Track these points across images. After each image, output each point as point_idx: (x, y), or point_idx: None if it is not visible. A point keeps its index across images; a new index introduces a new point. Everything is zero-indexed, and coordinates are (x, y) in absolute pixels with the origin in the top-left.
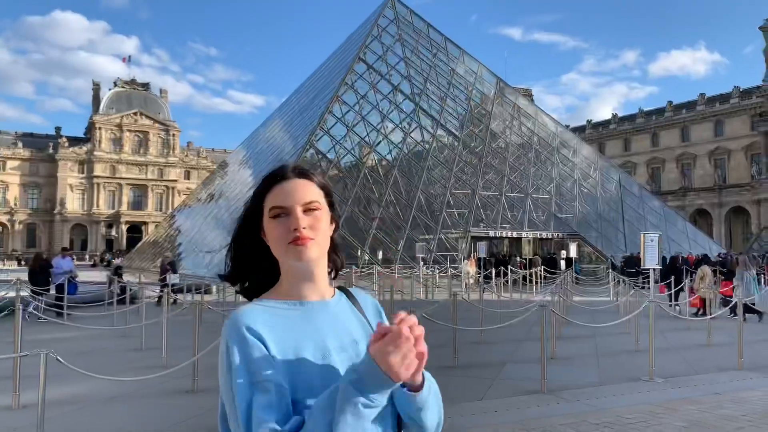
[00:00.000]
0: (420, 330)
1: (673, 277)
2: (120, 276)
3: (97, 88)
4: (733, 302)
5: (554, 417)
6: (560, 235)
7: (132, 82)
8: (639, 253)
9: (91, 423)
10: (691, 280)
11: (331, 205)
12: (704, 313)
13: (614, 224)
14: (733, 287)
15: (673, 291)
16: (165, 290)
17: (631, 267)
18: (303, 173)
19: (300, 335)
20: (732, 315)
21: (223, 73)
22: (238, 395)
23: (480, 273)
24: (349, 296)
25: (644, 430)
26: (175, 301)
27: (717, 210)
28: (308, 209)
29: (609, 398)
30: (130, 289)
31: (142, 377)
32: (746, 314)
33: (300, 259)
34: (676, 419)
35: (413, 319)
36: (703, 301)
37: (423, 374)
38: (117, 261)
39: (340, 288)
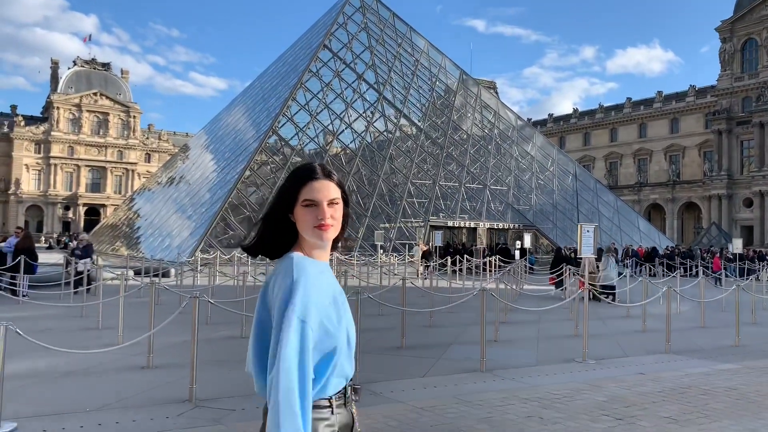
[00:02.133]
0: None
1: (566, 265)
2: (77, 258)
3: (55, 67)
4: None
5: (489, 392)
6: (516, 225)
7: (92, 62)
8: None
9: (49, 396)
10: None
11: (344, 199)
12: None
13: (569, 216)
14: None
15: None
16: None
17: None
18: (328, 174)
19: (335, 290)
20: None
21: (185, 55)
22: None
23: (434, 260)
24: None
25: (568, 404)
26: (88, 290)
27: (670, 205)
28: (331, 203)
29: (542, 377)
30: (88, 270)
31: (101, 350)
32: (607, 295)
33: (322, 239)
34: (599, 395)
35: None
36: (582, 285)
37: None
38: (74, 243)
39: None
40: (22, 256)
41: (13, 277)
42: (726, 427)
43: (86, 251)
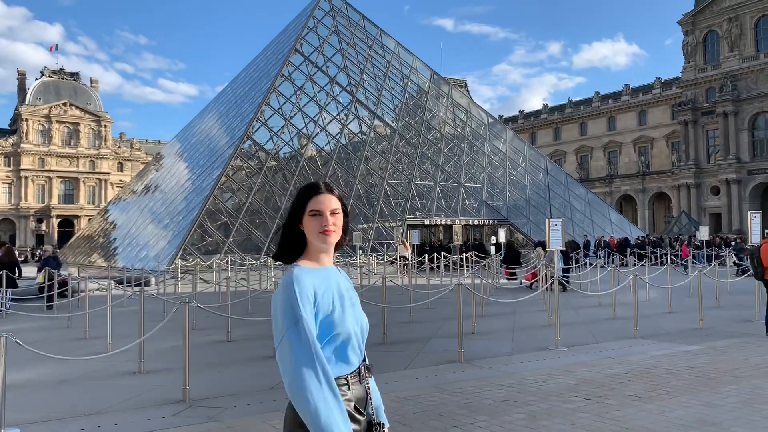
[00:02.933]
0: None
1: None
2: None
3: (22, 78)
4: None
5: (466, 381)
6: (491, 221)
7: (60, 72)
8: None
9: (48, 402)
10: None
11: (344, 210)
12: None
13: (542, 210)
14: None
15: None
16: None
17: (511, 254)
18: (330, 189)
19: (333, 291)
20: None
21: (154, 62)
22: (291, 332)
23: (410, 259)
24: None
25: (540, 387)
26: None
27: (641, 195)
28: (333, 213)
29: (517, 365)
30: (66, 283)
31: (94, 356)
32: (561, 285)
33: (325, 243)
34: (570, 378)
35: None
36: (534, 276)
37: None
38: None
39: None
40: (4, 270)
41: None
42: (685, 402)
43: (47, 262)
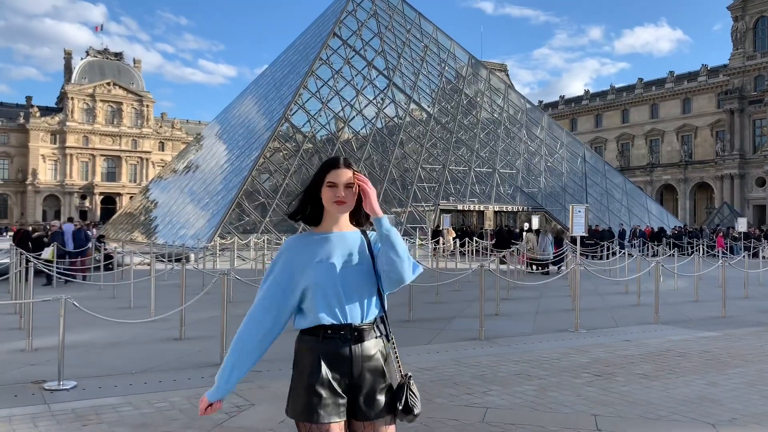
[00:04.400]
0: (366, 181)
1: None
2: (103, 244)
3: (68, 57)
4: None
5: (484, 356)
6: (525, 208)
7: (105, 52)
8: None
9: (99, 361)
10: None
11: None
12: (531, 271)
13: (578, 199)
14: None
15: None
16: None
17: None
18: (348, 165)
19: (319, 249)
20: (535, 269)
21: (194, 43)
22: (264, 279)
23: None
24: (364, 233)
25: (554, 364)
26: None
27: (683, 185)
28: (347, 186)
29: (535, 344)
30: (112, 256)
31: (140, 321)
32: (545, 269)
33: (338, 211)
34: (584, 357)
35: (362, 177)
36: (527, 261)
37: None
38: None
39: (362, 230)
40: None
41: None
42: (691, 381)
43: (54, 238)
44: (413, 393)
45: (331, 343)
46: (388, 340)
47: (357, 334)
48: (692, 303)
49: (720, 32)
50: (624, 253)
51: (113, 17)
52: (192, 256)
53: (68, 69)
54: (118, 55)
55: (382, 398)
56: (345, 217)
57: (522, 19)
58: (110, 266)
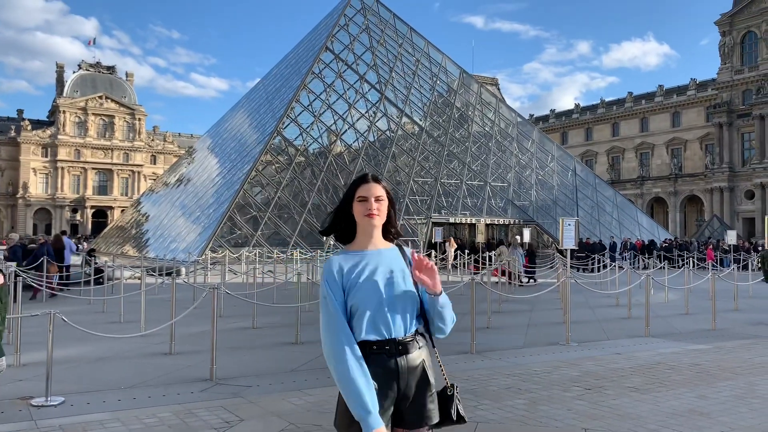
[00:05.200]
0: (430, 262)
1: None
2: (93, 258)
3: (61, 71)
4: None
5: (475, 370)
6: (517, 221)
7: (97, 65)
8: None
9: (86, 377)
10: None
11: (389, 198)
12: (507, 282)
13: (569, 212)
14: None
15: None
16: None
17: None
18: (376, 180)
19: (362, 268)
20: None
21: (186, 57)
22: (322, 306)
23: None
24: (401, 249)
25: (544, 377)
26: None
27: (673, 198)
28: (377, 199)
29: (526, 357)
30: (102, 270)
31: (130, 335)
32: (520, 280)
33: (370, 225)
34: (575, 371)
35: (424, 257)
36: (501, 272)
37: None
38: (84, 245)
39: (397, 245)
40: (45, 257)
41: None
42: (681, 394)
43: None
44: (459, 401)
45: (378, 359)
46: (433, 348)
47: (401, 348)
48: (682, 316)
49: (707, 47)
50: (614, 265)
51: (105, 31)
52: (183, 270)
53: (60, 82)
54: (111, 69)
55: (429, 407)
56: (378, 234)
57: (512, 34)
58: (101, 280)
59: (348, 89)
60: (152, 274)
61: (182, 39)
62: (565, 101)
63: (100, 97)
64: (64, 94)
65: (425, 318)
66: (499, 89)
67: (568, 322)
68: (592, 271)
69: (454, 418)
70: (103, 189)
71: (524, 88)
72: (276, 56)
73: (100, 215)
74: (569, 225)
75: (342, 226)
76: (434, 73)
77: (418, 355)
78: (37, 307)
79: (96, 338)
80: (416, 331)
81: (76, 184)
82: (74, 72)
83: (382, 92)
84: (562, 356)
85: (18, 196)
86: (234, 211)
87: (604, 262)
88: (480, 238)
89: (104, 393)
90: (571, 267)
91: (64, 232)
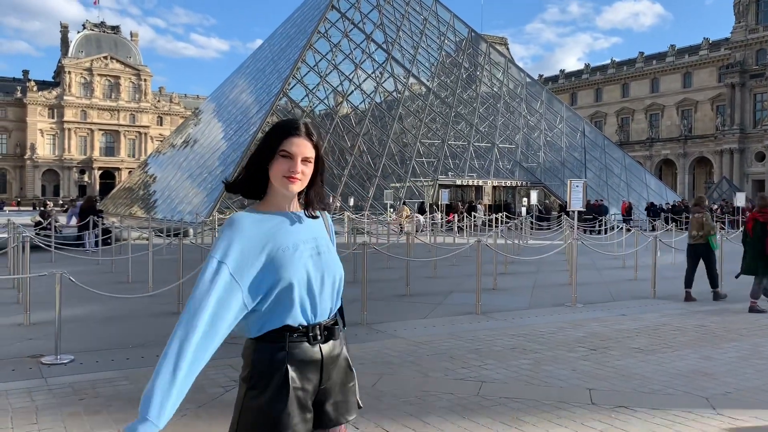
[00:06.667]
0: None
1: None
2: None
3: (65, 31)
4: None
5: (480, 330)
6: (524, 183)
7: (101, 25)
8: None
9: (94, 336)
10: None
11: (318, 159)
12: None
13: (577, 173)
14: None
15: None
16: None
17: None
18: (309, 134)
19: (280, 235)
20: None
21: (185, 17)
22: (210, 266)
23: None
24: (323, 216)
25: (550, 338)
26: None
27: (682, 160)
28: (305, 160)
29: (531, 318)
30: (110, 231)
31: (139, 295)
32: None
33: (288, 189)
34: (579, 331)
35: None
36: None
37: None
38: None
39: (313, 215)
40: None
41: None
42: (685, 355)
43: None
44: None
45: (299, 348)
46: (344, 329)
47: (327, 333)
48: None
49: (713, 7)
50: (621, 227)
51: None
52: (191, 231)
53: (65, 43)
54: (115, 29)
55: (351, 399)
56: (290, 198)
57: None
58: (108, 241)
59: (354, 49)
60: (160, 235)
61: None
62: (569, 62)
63: (106, 58)
64: (69, 55)
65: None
66: (508, 49)
67: (574, 284)
68: (599, 233)
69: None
70: (110, 150)
71: (527, 49)
72: (275, 16)
73: (108, 176)
74: (577, 187)
75: (253, 182)
76: (442, 32)
77: (341, 341)
78: (47, 267)
79: (104, 298)
80: (337, 312)
81: (83, 145)
82: (78, 32)
83: (389, 52)
84: (568, 317)
85: (26, 157)
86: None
87: (610, 224)
88: (486, 200)
89: (113, 351)
90: (579, 228)
91: (95, 198)
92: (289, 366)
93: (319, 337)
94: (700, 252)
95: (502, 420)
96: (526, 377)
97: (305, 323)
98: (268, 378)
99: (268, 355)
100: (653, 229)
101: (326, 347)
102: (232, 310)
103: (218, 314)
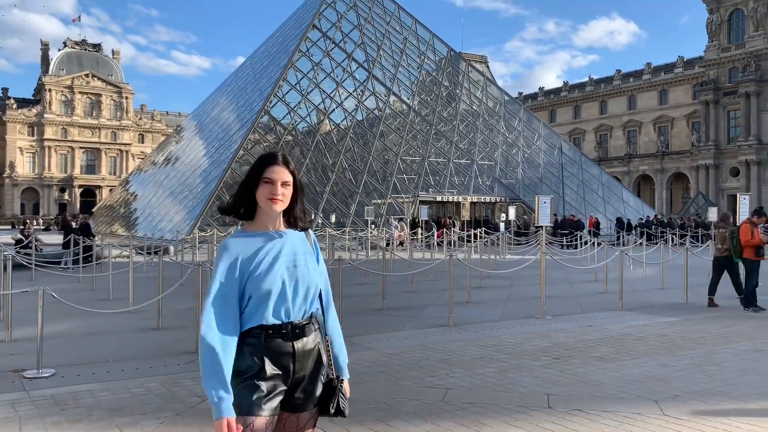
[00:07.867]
0: None
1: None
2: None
3: (45, 49)
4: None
5: (451, 341)
6: (503, 199)
7: (82, 43)
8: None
9: (75, 350)
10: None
11: (297, 185)
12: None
13: (555, 190)
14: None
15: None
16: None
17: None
18: (286, 163)
19: (264, 250)
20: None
21: (166, 35)
22: (211, 283)
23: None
24: (305, 233)
25: (516, 348)
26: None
27: (659, 176)
28: (284, 184)
29: (501, 330)
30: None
31: (119, 311)
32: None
33: (271, 210)
34: (546, 342)
35: None
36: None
37: None
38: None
39: (302, 228)
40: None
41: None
42: (644, 363)
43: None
44: (343, 395)
45: (273, 342)
46: (324, 336)
47: (299, 331)
48: (658, 290)
49: (687, 25)
50: (594, 242)
51: (84, 9)
52: (171, 249)
53: (45, 60)
54: (97, 47)
55: (318, 389)
56: (280, 216)
57: (493, 12)
58: (89, 258)
59: (336, 68)
60: (140, 253)
61: (161, 17)
62: (549, 79)
63: (87, 75)
64: (50, 73)
65: (322, 305)
66: (488, 67)
67: (543, 296)
68: (576, 247)
69: (332, 412)
70: (91, 168)
71: (507, 67)
72: (258, 34)
73: (89, 194)
74: (545, 203)
75: (243, 206)
76: (422, 51)
77: (314, 338)
78: (29, 285)
79: (85, 314)
80: (312, 314)
81: (64, 163)
82: (59, 50)
83: (369, 71)
84: (536, 329)
85: (5, 175)
86: (222, 190)
87: (585, 239)
88: (465, 216)
89: (93, 365)
90: (554, 243)
91: (87, 216)
92: (265, 357)
93: (290, 335)
94: (724, 263)
95: (463, 423)
96: (490, 384)
97: (278, 323)
98: (248, 361)
99: (247, 347)
100: (620, 243)
101: (299, 343)
102: (231, 307)
103: (224, 312)
